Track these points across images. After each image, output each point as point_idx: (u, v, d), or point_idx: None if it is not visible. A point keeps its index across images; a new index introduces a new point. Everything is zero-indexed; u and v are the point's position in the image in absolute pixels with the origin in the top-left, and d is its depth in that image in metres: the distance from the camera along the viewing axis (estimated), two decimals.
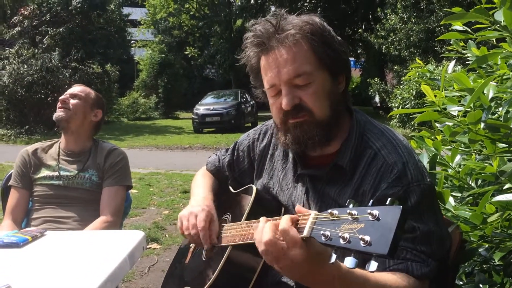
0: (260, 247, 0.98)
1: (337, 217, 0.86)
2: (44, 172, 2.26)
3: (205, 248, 1.33)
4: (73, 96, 2.31)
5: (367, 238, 0.78)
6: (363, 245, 0.78)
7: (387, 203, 0.80)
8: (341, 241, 0.82)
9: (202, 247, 1.35)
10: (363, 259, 0.80)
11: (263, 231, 0.97)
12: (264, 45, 1.21)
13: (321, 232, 0.86)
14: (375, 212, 0.80)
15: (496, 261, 1.29)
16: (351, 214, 0.83)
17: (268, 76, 1.22)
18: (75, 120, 2.28)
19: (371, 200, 0.83)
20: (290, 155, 1.35)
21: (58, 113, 2.27)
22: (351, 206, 0.85)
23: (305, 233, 0.91)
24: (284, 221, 0.95)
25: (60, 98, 2.30)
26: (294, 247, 0.92)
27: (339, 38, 1.24)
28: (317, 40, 1.18)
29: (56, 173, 2.24)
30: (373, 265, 0.78)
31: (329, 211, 0.88)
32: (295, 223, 0.95)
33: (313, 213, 0.93)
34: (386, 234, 0.76)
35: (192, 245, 1.50)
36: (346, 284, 0.98)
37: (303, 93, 1.18)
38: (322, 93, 1.19)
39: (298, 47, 1.18)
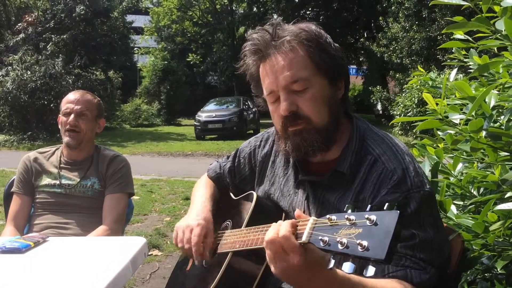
0: (265, 244, 0.99)
1: (335, 222, 0.86)
2: (46, 180, 2.26)
3: (196, 263, 1.34)
4: (79, 114, 2.25)
5: (364, 243, 0.78)
6: (360, 250, 0.78)
7: (385, 208, 0.80)
8: (340, 247, 0.82)
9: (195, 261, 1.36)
10: (361, 264, 0.80)
11: (269, 229, 0.99)
12: (261, 53, 1.23)
13: (320, 237, 0.86)
14: (373, 217, 0.80)
15: (498, 269, 1.28)
16: (349, 220, 0.83)
17: (267, 83, 1.24)
18: (86, 138, 2.28)
19: (369, 205, 0.84)
20: (291, 162, 1.36)
21: (70, 139, 2.24)
22: (349, 211, 0.85)
23: (304, 238, 0.91)
24: (284, 227, 0.96)
25: (69, 122, 2.23)
26: (292, 253, 0.93)
27: (336, 44, 1.25)
28: (313, 46, 1.19)
29: (57, 181, 2.25)
30: (371, 270, 0.78)
31: (327, 216, 0.88)
32: (294, 228, 0.96)
33: (311, 218, 0.93)
34: (383, 239, 0.76)
35: None
36: None
37: (300, 99, 1.19)
38: (320, 99, 1.20)
39: (294, 53, 1.19)
